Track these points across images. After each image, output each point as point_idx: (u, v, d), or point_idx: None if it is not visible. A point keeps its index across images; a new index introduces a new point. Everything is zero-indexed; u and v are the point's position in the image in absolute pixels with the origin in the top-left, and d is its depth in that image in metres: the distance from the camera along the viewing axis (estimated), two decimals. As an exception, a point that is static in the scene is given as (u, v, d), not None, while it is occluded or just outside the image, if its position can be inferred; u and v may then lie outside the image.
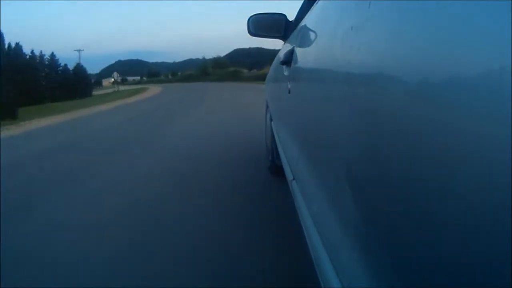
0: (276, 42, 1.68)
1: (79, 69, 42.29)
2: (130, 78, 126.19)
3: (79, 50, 48.77)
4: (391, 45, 0.36)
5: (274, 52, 2.48)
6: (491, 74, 0.21)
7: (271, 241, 1.46)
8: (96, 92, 39.94)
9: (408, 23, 0.33)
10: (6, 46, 33.00)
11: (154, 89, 24.07)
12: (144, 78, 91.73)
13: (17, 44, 33.26)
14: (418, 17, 0.31)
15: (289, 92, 1.07)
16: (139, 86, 39.73)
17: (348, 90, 0.48)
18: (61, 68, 40.71)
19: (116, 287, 1.20)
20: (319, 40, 0.75)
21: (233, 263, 1.30)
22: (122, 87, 38.15)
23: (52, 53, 40.62)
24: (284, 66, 1.22)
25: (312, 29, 0.86)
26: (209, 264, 1.30)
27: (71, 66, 41.75)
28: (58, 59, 40.54)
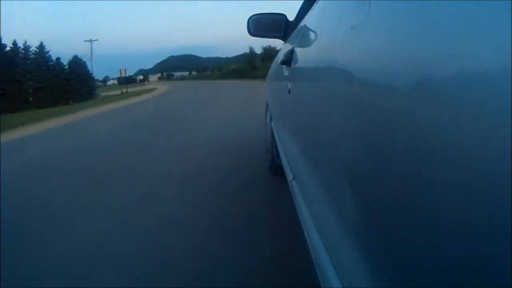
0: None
1: (77, 64, 31.21)
2: (177, 74, 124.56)
3: (90, 40, 35.77)
4: (391, 45, 0.36)
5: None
6: (492, 74, 0.21)
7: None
8: (106, 93, 32.33)
9: (408, 23, 0.33)
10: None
11: (161, 88, 23.83)
12: (194, 73, 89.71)
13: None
14: (418, 17, 0.31)
15: (289, 92, 1.07)
16: (148, 87, 32.57)
17: (348, 90, 0.48)
18: (52, 63, 29.99)
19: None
20: (319, 40, 0.75)
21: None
22: (141, 87, 32.70)
23: (41, 43, 29.50)
24: (284, 66, 1.22)
25: (312, 29, 0.86)
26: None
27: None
28: (48, 51, 29.49)
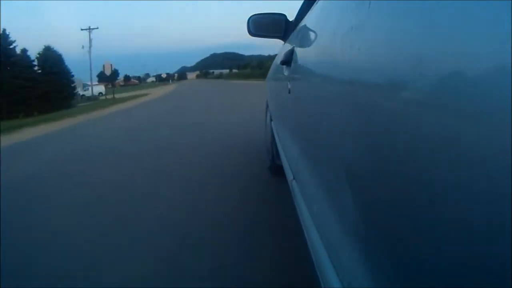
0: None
1: (50, 59, 20.43)
2: (216, 71, 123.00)
3: (89, 29, 27.73)
4: (391, 45, 0.36)
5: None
6: (492, 74, 0.21)
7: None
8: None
9: (408, 23, 0.33)
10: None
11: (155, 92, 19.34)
12: (234, 70, 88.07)
13: None
14: (418, 17, 0.31)
15: (289, 92, 1.07)
16: (142, 92, 24.55)
17: (348, 90, 0.48)
18: (15, 58, 19.56)
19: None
20: (319, 40, 0.75)
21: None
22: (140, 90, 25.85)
23: (4, 31, 19.26)
24: (284, 66, 1.22)
25: (312, 29, 0.86)
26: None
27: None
28: (13, 41, 19.69)
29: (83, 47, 27.38)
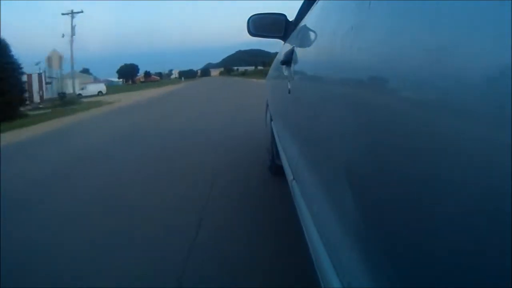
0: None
1: None
2: (241, 68, 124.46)
3: (71, 13, 20.67)
4: (391, 45, 0.36)
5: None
6: (492, 74, 0.21)
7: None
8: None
9: (408, 23, 0.33)
10: None
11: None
12: (260, 67, 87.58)
13: None
14: (418, 17, 0.31)
15: (289, 92, 1.07)
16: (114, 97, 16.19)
17: (348, 90, 0.48)
18: None
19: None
20: (319, 40, 0.75)
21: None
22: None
23: None
24: (284, 66, 1.22)
25: (312, 29, 0.86)
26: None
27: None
28: None
29: (63, 35, 20.22)
